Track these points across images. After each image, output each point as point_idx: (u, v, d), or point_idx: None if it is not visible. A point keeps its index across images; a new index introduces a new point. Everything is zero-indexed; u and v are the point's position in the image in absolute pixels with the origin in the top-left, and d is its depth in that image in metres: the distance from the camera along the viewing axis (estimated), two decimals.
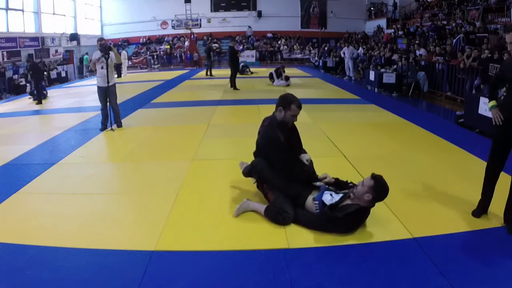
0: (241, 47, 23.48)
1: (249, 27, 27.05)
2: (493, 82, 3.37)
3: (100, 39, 6.83)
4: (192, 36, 24.12)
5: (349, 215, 2.90)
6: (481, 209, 3.30)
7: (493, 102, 3.15)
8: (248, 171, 3.65)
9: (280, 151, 3.28)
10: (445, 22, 17.15)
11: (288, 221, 3.13)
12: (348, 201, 3.02)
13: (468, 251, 2.78)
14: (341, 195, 3.12)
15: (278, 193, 3.27)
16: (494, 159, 3.22)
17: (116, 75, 17.42)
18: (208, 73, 16.87)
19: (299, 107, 3.33)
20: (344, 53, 16.16)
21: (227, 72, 12.76)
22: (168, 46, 25.51)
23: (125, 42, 26.74)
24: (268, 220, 3.21)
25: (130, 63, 21.31)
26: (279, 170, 3.29)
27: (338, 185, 3.34)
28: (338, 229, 2.97)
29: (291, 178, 3.27)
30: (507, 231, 3.00)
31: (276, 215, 3.15)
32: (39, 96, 10.61)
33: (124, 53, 18.14)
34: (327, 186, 3.27)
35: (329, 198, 3.09)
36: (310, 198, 3.19)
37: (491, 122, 3.15)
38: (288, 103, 3.30)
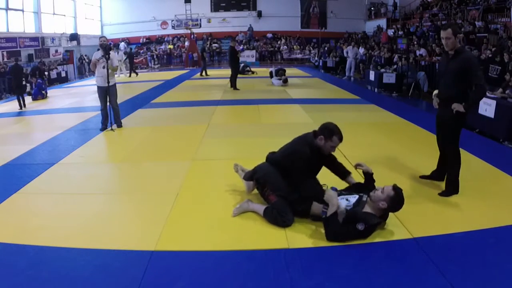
0: (241, 47, 23.47)
1: (250, 27, 26.98)
2: (438, 74, 4.06)
3: (101, 37, 6.84)
4: (192, 36, 24.10)
5: (369, 227, 2.91)
6: (435, 176, 4.03)
7: (436, 91, 3.93)
8: (249, 176, 3.61)
9: (302, 166, 3.20)
10: (445, 22, 17.13)
11: (288, 223, 3.12)
12: (367, 208, 3.01)
13: (468, 251, 2.78)
14: (356, 197, 3.09)
15: (279, 198, 3.24)
16: (437, 136, 3.99)
17: (127, 75, 17.63)
18: (203, 73, 16.94)
19: (341, 140, 3.24)
20: (347, 53, 16.12)
21: (227, 72, 12.76)
22: (171, 46, 25.51)
23: (125, 42, 26.72)
24: (268, 222, 3.21)
25: None
26: (297, 184, 3.23)
27: (358, 186, 3.35)
28: (356, 237, 2.93)
29: (305, 194, 3.21)
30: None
31: (276, 218, 3.15)
32: (19, 101, 10.06)
33: (121, 54, 18.24)
34: (337, 189, 3.25)
35: (345, 203, 3.05)
36: (315, 204, 3.15)
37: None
38: (330, 134, 3.21)
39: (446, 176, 3.81)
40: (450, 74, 3.62)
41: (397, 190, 3.00)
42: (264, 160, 3.63)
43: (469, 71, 3.47)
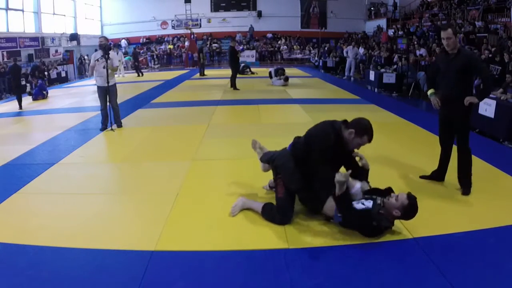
0: (241, 47, 23.47)
1: (251, 27, 26.98)
2: (430, 74, 4.13)
3: (100, 37, 6.85)
4: (192, 36, 24.10)
5: (381, 227, 2.92)
6: (435, 177, 4.04)
7: (431, 90, 3.93)
8: (266, 160, 3.54)
9: (322, 150, 3.07)
10: (445, 22, 17.13)
11: (285, 222, 3.12)
12: (382, 210, 3.00)
13: (468, 251, 2.78)
14: (371, 202, 3.06)
15: (286, 194, 3.20)
16: (440, 136, 3.99)
17: (125, 75, 17.63)
18: (202, 73, 16.97)
19: (370, 141, 3.16)
20: (347, 52, 16.11)
21: (227, 72, 12.75)
22: (171, 46, 25.52)
23: (126, 41, 26.71)
24: (265, 219, 3.21)
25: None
26: (311, 171, 3.13)
27: (372, 191, 3.29)
28: (366, 232, 2.95)
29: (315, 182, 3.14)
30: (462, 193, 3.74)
31: (274, 216, 3.16)
32: (19, 100, 10.06)
33: (120, 54, 18.25)
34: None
35: (362, 207, 3.01)
36: (329, 202, 3.09)
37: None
38: (363, 131, 3.12)
39: (463, 173, 3.81)
40: (453, 73, 3.65)
41: (411, 199, 2.94)
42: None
43: (473, 67, 3.56)
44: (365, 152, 3.55)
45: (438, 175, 4.03)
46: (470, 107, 3.64)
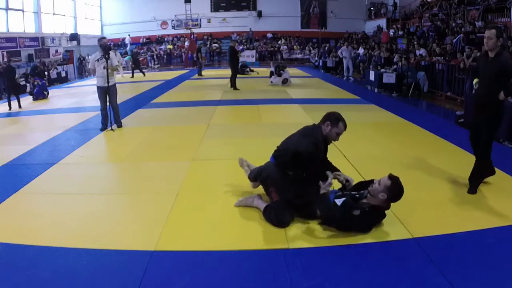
0: (241, 47, 23.47)
1: (250, 31, 27.00)
2: (473, 71, 4.29)
3: (100, 39, 6.85)
4: (192, 36, 24.11)
5: (366, 214, 2.91)
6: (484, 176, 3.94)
7: (476, 79, 3.97)
8: (254, 177, 3.60)
9: (316, 157, 3.23)
10: (446, 22, 17.13)
11: (283, 225, 3.11)
12: (364, 200, 3.03)
13: (468, 251, 2.77)
14: (356, 196, 3.09)
15: (282, 197, 3.21)
16: (470, 138, 4.05)
17: (124, 75, 17.57)
18: (199, 73, 16.99)
19: (345, 127, 3.33)
20: (342, 53, 16.04)
21: (227, 72, 12.73)
22: (171, 46, 25.52)
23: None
24: (265, 220, 3.21)
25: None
26: (303, 172, 3.24)
27: (359, 185, 3.32)
28: (356, 227, 2.96)
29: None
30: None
31: (272, 218, 3.16)
32: (10, 102, 10.03)
33: (118, 55, 18.22)
34: (336, 190, 3.24)
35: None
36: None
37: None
38: (336, 120, 3.30)
39: (476, 172, 3.83)
40: (488, 76, 3.68)
41: (393, 178, 2.96)
42: (262, 159, 3.61)
43: (507, 73, 3.55)
44: (365, 152, 3.55)
45: (484, 174, 4.00)
46: (500, 111, 3.68)
